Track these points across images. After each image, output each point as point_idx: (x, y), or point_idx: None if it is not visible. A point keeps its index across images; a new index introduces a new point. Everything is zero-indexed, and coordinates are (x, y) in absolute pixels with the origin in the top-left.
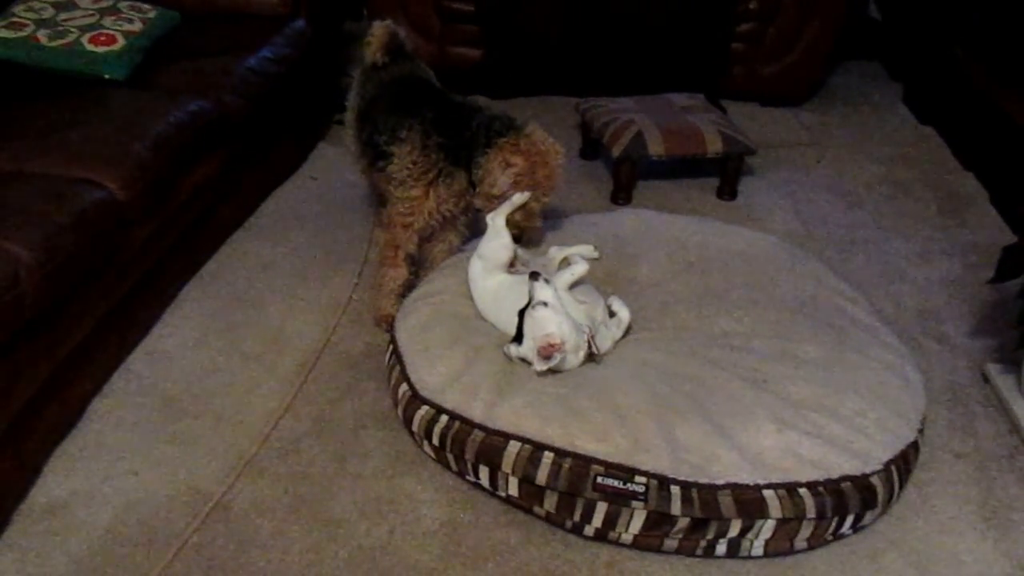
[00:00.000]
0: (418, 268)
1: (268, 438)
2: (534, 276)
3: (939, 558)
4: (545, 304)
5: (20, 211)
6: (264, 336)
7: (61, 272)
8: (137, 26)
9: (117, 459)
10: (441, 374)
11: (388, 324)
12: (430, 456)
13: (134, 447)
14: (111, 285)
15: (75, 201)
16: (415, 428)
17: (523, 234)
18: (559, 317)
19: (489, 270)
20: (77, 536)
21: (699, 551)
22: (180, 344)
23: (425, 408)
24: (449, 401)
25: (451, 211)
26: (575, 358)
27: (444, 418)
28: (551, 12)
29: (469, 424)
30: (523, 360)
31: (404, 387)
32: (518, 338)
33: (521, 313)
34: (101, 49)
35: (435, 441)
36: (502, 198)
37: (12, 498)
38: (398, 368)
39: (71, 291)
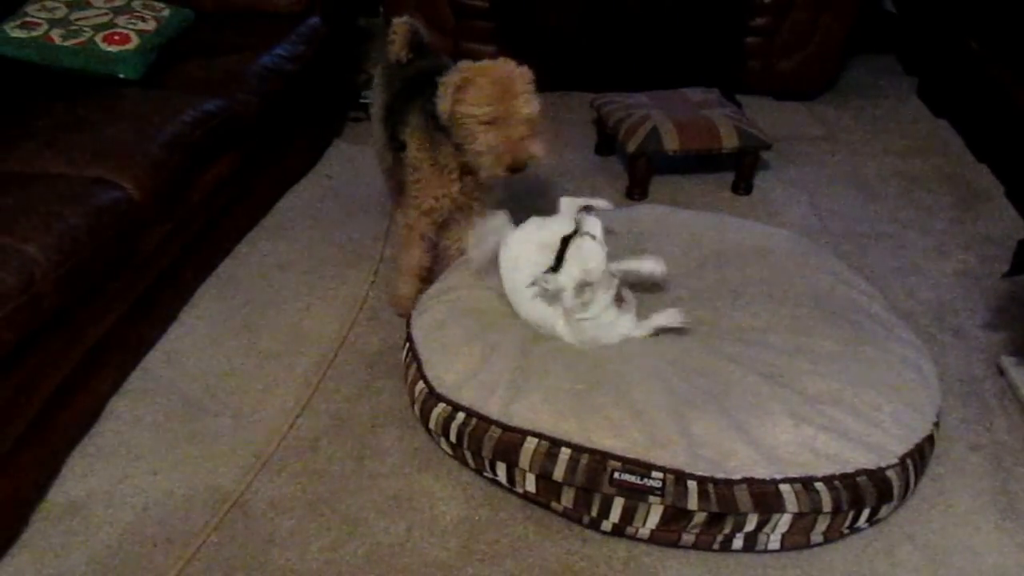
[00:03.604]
0: (435, 262)
1: (286, 437)
2: (588, 209)
3: (954, 551)
4: (593, 237)
5: (35, 212)
6: (281, 335)
7: (77, 272)
8: (151, 25)
9: (135, 458)
10: (458, 371)
11: (404, 307)
12: (447, 453)
13: (152, 446)
14: (127, 285)
15: (90, 201)
16: (432, 426)
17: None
18: (603, 254)
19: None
20: (96, 536)
21: (716, 545)
22: (197, 343)
23: (442, 405)
24: (466, 398)
25: (465, 197)
26: (605, 298)
27: (461, 415)
28: (565, 8)
29: (486, 421)
30: (552, 292)
31: (421, 385)
32: (556, 267)
33: (565, 240)
34: (115, 48)
35: (452, 438)
36: (481, 146)
37: (31, 498)
38: (415, 366)
39: (87, 291)
